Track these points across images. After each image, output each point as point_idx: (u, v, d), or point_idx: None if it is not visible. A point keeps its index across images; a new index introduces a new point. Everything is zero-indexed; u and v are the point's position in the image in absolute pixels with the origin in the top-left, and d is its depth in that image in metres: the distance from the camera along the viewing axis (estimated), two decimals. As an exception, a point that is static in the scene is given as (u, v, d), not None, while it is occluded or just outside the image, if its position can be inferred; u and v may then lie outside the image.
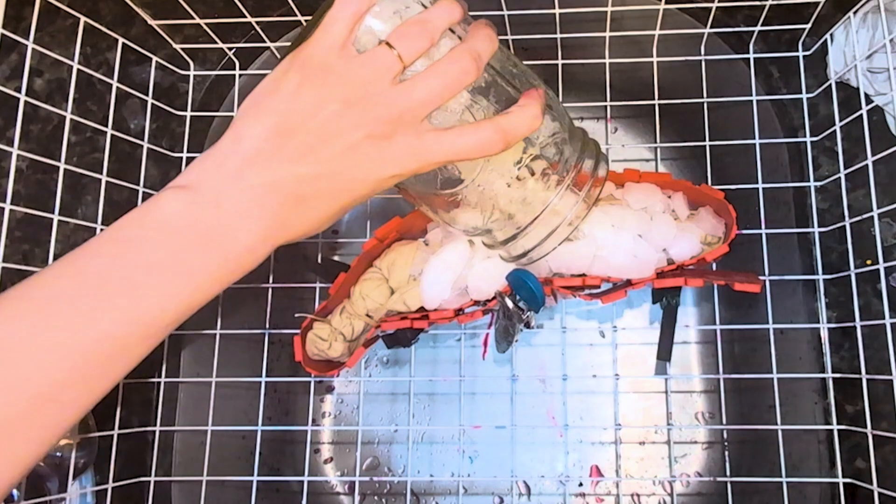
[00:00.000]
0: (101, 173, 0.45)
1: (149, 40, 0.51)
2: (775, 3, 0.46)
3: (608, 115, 0.60)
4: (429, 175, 0.34)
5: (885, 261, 0.42)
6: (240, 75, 0.53)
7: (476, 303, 0.46)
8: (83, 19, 0.44)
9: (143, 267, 0.29)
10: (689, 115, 0.50)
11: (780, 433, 0.45)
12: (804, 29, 0.48)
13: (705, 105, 0.49)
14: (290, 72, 0.31)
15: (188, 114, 0.52)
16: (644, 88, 0.50)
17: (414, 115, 0.30)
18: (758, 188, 0.48)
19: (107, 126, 0.46)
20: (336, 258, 0.60)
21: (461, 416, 0.57)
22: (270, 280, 0.50)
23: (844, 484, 0.44)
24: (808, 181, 0.47)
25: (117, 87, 0.47)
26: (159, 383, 0.50)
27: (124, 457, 0.47)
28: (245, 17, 0.47)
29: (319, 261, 0.52)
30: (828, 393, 0.46)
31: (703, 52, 0.50)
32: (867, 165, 0.42)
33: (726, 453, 0.53)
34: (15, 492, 0.42)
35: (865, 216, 0.44)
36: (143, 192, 0.49)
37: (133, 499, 0.48)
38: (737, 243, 0.45)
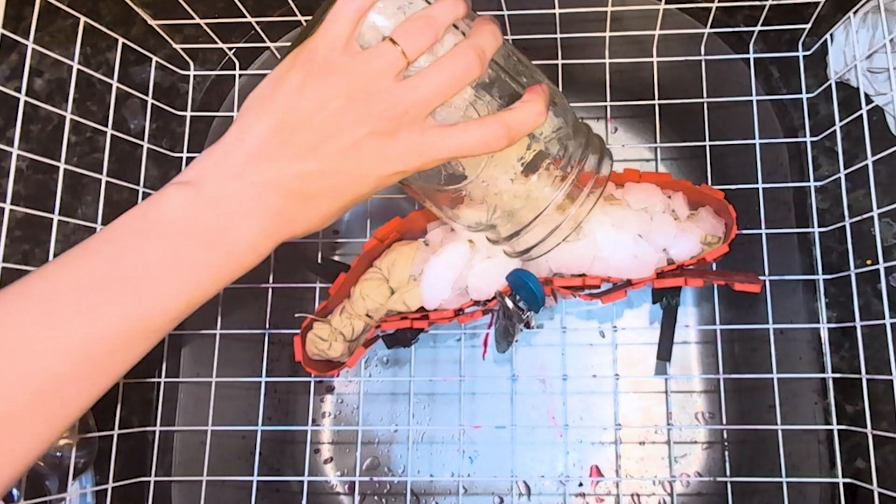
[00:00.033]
0: (101, 173, 0.45)
1: (149, 40, 0.51)
2: (775, 3, 0.46)
3: (608, 115, 0.60)
4: (433, 171, 0.33)
5: (885, 261, 0.42)
6: (240, 75, 0.53)
7: (476, 303, 0.46)
8: (83, 19, 0.44)
9: (145, 263, 0.29)
10: (689, 115, 0.50)
11: (780, 433, 0.45)
12: (804, 29, 0.48)
13: (705, 105, 0.49)
14: (293, 69, 0.31)
15: (188, 114, 0.52)
16: (644, 88, 0.50)
17: (418, 111, 0.30)
18: (758, 188, 0.48)
19: (107, 126, 0.46)
20: (336, 258, 0.60)
21: (461, 416, 0.57)
22: (270, 280, 0.50)
23: (844, 484, 0.44)
24: (808, 181, 0.47)
25: (117, 87, 0.47)
26: (159, 383, 0.50)
27: (124, 457, 0.47)
28: (245, 17, 0.47)
29: (319, 261, 0.52)
30: (828, 393, 0.46)
31: (703, 52, 0.50)
32: (867, 165, 0.42)
33: (726, 453, 0.53)
34: (15, 491, 0.42)
35: (865, 216, 0.44)
36: (143, 192, 0.49)
37: (133, 499, 0.48)
38: (737, 243, 0.45)
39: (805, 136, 0.48)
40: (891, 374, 0.40)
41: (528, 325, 0.44)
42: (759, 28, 0.48)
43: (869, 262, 0.45)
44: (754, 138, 0.48)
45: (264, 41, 0.50)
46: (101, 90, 0.50)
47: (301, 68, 0.30)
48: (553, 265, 0.45)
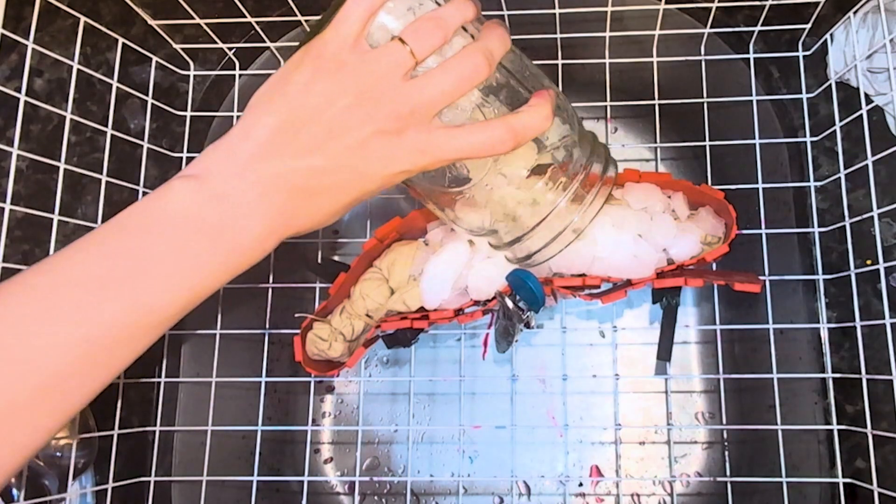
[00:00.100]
0: (101, 173, 0.45)
1: (149, 40, 0.51)
2: (775, 3, 0.46)
3: (608, 115, 0.60)
4: (437, 172, 0.34)
5: (885, 261, 0.42)
6: (240, 75, 0.53)
7: (476, 303, 0.46)
8: (83, 19, 0.44)
9: (150, 256, 0.29)
10: (689, 115, 0.50)
11: (780, 433, 0.45)
12: (804, 29, 0.48)
13: (705, 105, 0.49)
14: (301, 65, 0.31)
15: (188, 114, 0.52)
16: (644, 88, 0.50)
17: (425, 111, 0.30)
18: (758, 188, 0.48)
19: (107, 126, 0.46)
20: (336, 258, 0.60)
21: (461, 416, 0.57)
22: (270, 280, 0.50)
23: (844, 484, 0.44)
24: (808, 181, 0.47)
25: (117, 87, 0.47)
26: (159, 383, 0.50)
27: (124, 457, 0.47)
28: (245, 17, 0.47)
29: (319, 261, 0.52)
30: (828, 393, 0.46)
31: (703, 52, 0.50)
32: (867, 165, 0.42)
33: (726, 453, 0.53)
34: (15, 491, 0.42)
35: (865, 216, 0.44)
36: (143, 192, 0.49)
37: (133, 499, 0.48)
38: (737, 243, 0.45)
39: (805, 136, 0.48)
40: (891, 374, 0.40)
41: (528, 325, 0.44)
42: (759, 28, 0.48)
43: (869, 262, 0.45)
44: (754, 138, 0.48)
45: (264, 41, 0.50)
46: (101, 90, 0.50)
47: (309, 65, 0.30)
48: (553, 265, 0.45)
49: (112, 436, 0.46)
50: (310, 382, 0.58)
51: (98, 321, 0.28)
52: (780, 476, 0.44)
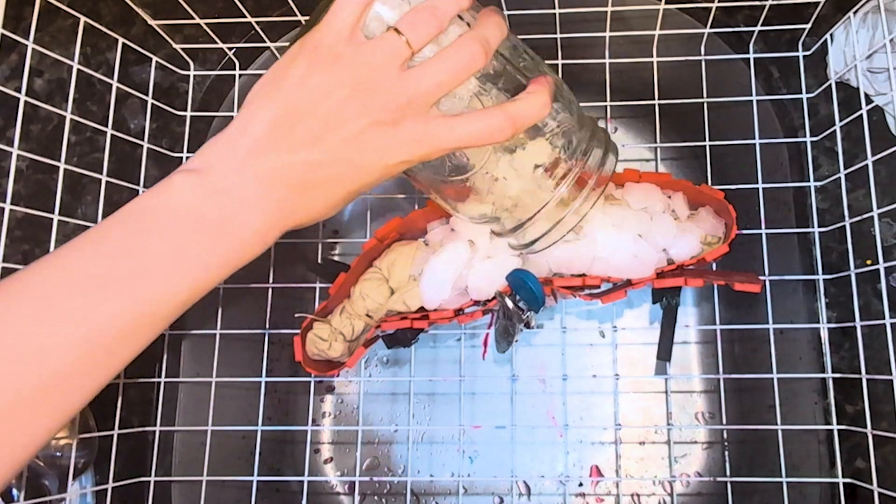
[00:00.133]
0: (101, 173, 0.45)
1: (149, 40, 0.51)
2: (775, 3, 0.46)
3: (608, 115, 0.60)
4: (438, 162, 0.34)
5: (885, 261, 0.42)
6: (240, 75, 0.53)
7: (476, 303, 0.46)
8: (83, 19, 0.44)
9: (150, 253, 0.29)
10: (689, 115, 0.50)
11: (780, 433, 0.45)
12: (804, 29, 0.48)
13: (705, 105, 0.49)
14: (298, 58, 0.31)
15: (188, 114, 0.52)
16: (644, 88, 0.50)
17: (422, 101, 0.30)
18: (758, 188, 0.48)
19: (107, 126, 0.46)
20: (336, 258, 0.60)
21: (461, 416, 0.57)
22: (270, 280, 0.50)
23: (844, 484, 0.44)
24: (808, 181, 0.47)
25: (117, 87, 0.47)
26: (159, 383, 0.50)
27: (124, 457, 0.47)
28: (245, 17, 0.47)
29: (319, 261, 0.52)
30: (828, 393, 0.46)
31: (703, 52, 0.50)
32: (867, 165, 0.42)
33: (726, 453, 0.53)
34: (15, 491, 0.42)
35: (865, 216, 0.44)
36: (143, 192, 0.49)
37: (133, 499, 0.48)
38: (737, 243, 0.45)
39: (805, 136, 0.48)
40: (891, 374, 0.40)
41: (528, 325, 0.44)
42: (759, 28, 0.48)
43: (869, 262, 0.45)
44: (754, 138, 0.48)
45: (264, 41, 0.50)
46: (101, 90, 0.50)
47: (305, 58, 0.30)
48: (553, 265, 0.45)
49: (112, 436, 0.46)
50: (310, 382, 0.58)
51: (98, 320, 0.28)
52: (780, 476, 0.44)
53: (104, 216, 0.45)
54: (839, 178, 0.45)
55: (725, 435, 0.53)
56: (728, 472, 0.49)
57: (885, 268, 0.42)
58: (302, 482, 0.47)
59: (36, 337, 0.28)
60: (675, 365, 0.57)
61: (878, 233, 0.42)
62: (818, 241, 0.47)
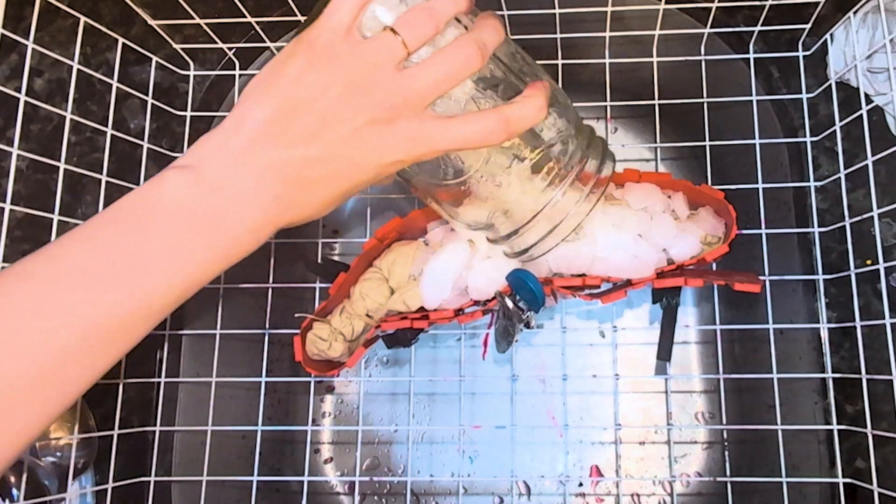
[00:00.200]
0: (101, 173, 0.45)
1: (149, 40, 0.51)
2: (775, 3, 0.46)
3: (608, 115, 0.60)
4: (433, 165, 0.34)
5: (885, 261, 0.42)
6: (240, 75, 0.53)
7: (476, 303, 0.46)
8: (83, 19, 0.44)
9: (145, 247, 0.29)
10: (689, 115, 0.50)
11: (780, 433, 0.45)
12: (804, 29, 0.48)
13: (705, 105, 0.49)
14: (294, 55, 0.31)
15: (188, 114, 0.52)
16: (644, 88, 0.50)
17: (417, 101, 0.30)
18: (758, 188, 0.48)
19: (107, 126, 0.46)
20: (336, 258, 0.60)
21: (461, 416, 0.57)
22: (270, 280, 0.50)
23: (844, 484, 0.44)
24: (808, 181, 0.47)
25: (117, 87, 0.47)
26: (159, 383, 0.50)
27: (124, 457, 0.47)
28: (245, 17, 0.47)
29: (319, 261, 0.52)
30: (828, 393, 0.46)
31: (703, 52, 0.50)
32: (867, 165, 0.42)
33: (726, 453, 0.53)
34: (15, 491, 0.42)
35: (865, 216, 0.43)
36: (143, 192, 0.49)
37: (133, 499, 0.48)
38: (737, 243, 0.45)
39: (805, 136, 0.48)
40: (891, 374, 0.40)
41: (528, 325, 0.44)
42: (759, 28, 0.48)
43: (869, 262, 0.45)
44: (754, 138, 0.48)
45: (264, 41, 0.50)
46: (101, 90, 0.50)
47: (302, 55, 0.31)
48: (553, 265, 0.45)
49: (112, 436, 0.46)
50: (310, 382, 0.58)
51: (95, 311, 0.28)
52: (780, 476, 0.44)
53: (104, 216, 0.46)
54: (839, 178, 0.45)
55: (725, 435, 0.53)
56: (728, 472, 0.49)
57: (885, 268, 0.42)
58: (302, 482, 0.47)
59: (33, 326, 0.28)
60: (675, 365, 0.58)
61: (878, 233, 0.42)
62: (818, 241, 0.47)
